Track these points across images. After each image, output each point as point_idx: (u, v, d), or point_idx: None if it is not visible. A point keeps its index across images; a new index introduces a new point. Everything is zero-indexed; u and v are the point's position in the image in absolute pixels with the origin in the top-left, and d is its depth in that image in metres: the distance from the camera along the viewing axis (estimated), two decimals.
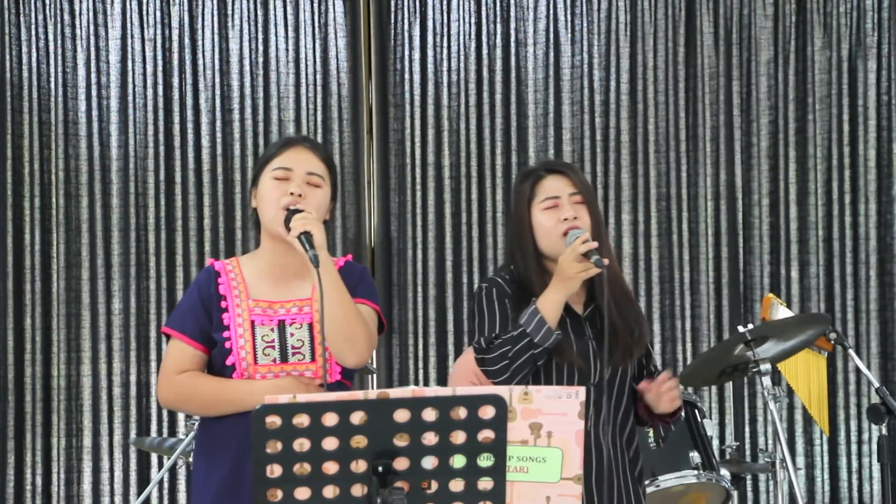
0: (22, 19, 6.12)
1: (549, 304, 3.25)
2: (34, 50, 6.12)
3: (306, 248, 3.01)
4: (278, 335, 3.15)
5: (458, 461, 2.20)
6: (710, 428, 4.72)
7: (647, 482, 4.35)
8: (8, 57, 6.10)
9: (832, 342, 4.75)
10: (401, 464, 2.19)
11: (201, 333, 3.18)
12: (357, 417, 2.16)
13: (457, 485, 2.22)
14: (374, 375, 6.09)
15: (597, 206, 3.42)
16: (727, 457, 5.01)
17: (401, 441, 2.18)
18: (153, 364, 6.10)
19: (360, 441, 2.17)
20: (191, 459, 4.57)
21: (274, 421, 2.15)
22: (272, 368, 3.14)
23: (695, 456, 4.53)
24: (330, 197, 3.25)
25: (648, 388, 3.31)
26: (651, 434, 3.57)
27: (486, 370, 3.32)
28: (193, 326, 3.18)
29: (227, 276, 3.22)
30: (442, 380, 6.08)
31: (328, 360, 3.14)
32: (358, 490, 2.20)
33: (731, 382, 5.98)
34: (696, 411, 4.68)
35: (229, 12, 6.22)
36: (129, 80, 6.16)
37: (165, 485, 6.06)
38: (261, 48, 6.23)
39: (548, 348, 3.26)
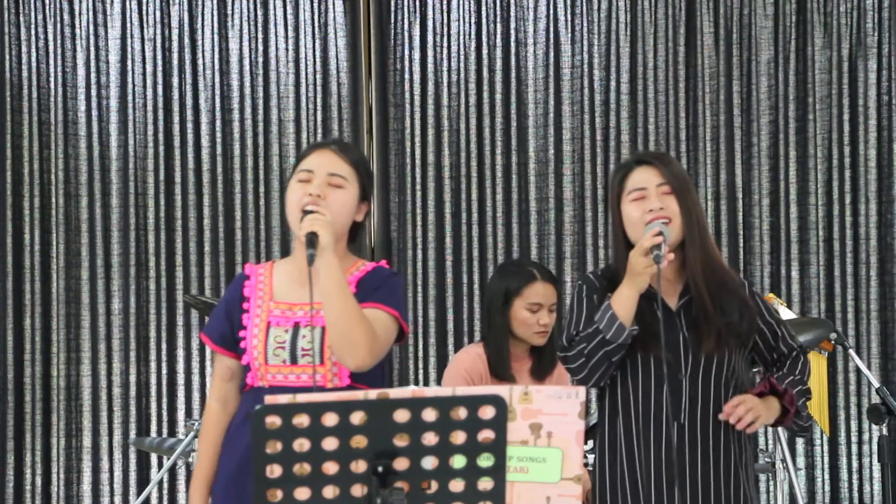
0: (22, 19, 6.12)
1: (621, 301, 3.24)
2: (34, 50, 6.12)
3: (306, 246, 3.03)
4: (291, 337, 3.17)
5: (458, 461, 2.20)
6: None
7: None
8: (8, 57, 6.09)
9: (832, 342, 4.75)
10: (401, 464, 2.19)
11: (221, 337, 3.27)
12: (357, 417, 2.16)
13: (457, 485, 2.22)
14: None
15: (688, 197, 3.35)
16: None
17: (401, 441, 2.18)
18: (153, 364, 6.10)
19: (360, 441, 2.17)
20: (191, 459, 4.58)
21: (274, 421, 2.14)
22: (282, 370, 3.17)
23: None
24: (358, 198, 3.25)
25: (725, 418, 3.30)
26: None
27: (568, 368, 3.34)
28: (216, 331, 3.29)
29: (255, 278, 3.28)
30: (441, 380, 6.07)
31: (336, 364, 3.15)
32: (358, 490, 2.20)
33: None
34: None
35: (229, 12, 6.22)
36: (129, 80, 6.16)
37: (165, 485, 6.06)
38: (261, 48, 6.23)
39: (622, 345, 3.25)
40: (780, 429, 4.52)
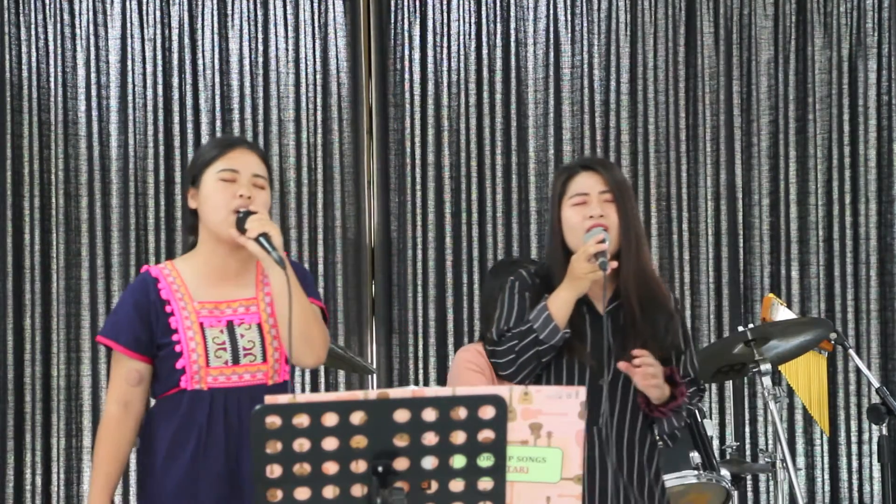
0: (22, 19, 6.12)
1: (558, 303, 3.27)
2: (34, 50, 6.12)
3: (268, 249, 3.00)
4: (228, 336, 3.13)
5: (458, 461, 2.20)
6: (710, 428, 4.72)
7: None
8: (8, 57, 6.09)
9: (832, 342, 4.76)
10: (401, 464, 2.19)
11: (136, 341, 3.16)
12: (357, 417, 2.16)
13: (457, 485, 2.22)
14: (374, 375, 6.09)
15: (628, 206, 3.38)
16: (727, 457, 5.01)
17: (401, 441, 2.18)
18: None
19: (360, 441, 2.17)
20: None
21: (274, 421, 2.14)
22: (224, 371, 3.12)
23: (695, 456, 4.53)
24: (270, 200, 3.26)
25: (626, 368, 3.30)
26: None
27: (495, 362, 3.36)
28: (127, 335, 3.16)
29: (165, 280, 3.19)
30: (442, 380, 6.08)
31: (278, 361, 3.15)
32: (358, 490, 2.20)
33: (731, 382, 5.99)
34: (696, 411, 4.68)
35: (229, 12, 6.22)
36: (129, 80, 6.16)
37: None
38: (261, 48, 6.23)
39: (554, 346, 3.28)
40: (780, 429, 4.52)
